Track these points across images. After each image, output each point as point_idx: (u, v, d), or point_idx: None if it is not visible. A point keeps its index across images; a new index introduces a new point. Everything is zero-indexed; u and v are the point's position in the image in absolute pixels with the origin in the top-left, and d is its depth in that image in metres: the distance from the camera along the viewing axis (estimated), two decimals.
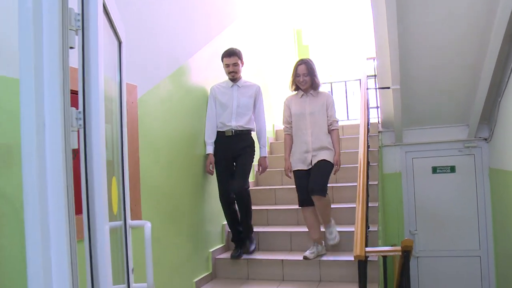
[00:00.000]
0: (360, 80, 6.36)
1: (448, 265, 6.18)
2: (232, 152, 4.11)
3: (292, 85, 4.04)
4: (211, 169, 4.10)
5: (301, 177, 3.92)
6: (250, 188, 4.22)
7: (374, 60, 5.90)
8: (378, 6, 4.32)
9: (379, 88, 5.41)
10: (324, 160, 3.81)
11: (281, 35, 7.51)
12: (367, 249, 2.84)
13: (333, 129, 3.95)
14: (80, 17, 1.25)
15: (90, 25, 1.27)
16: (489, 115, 5.51)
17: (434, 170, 6.23)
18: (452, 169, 6.16)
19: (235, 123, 4.10)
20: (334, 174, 4.00)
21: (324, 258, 3.94)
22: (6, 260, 1.83)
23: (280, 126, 6.97)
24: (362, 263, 2.76)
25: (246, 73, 5.61)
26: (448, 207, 6.16)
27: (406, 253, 2.73)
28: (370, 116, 5.78)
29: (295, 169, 3.95)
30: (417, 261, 6.30)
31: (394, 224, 6.25)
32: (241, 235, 4.21)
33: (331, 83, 8.07)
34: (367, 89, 5.42)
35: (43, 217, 1.04)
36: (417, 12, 4.29)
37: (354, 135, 5.32)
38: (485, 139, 5.83)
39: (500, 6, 3.95)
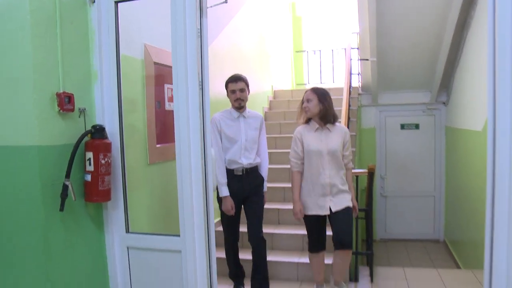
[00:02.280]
0: (345, 49, 7.60)
1: (409, 203, 7.66)
2: (243, 193, 3.57)
3: (300, 115, 3.47)
4: (231, 213, 3.51)
5: (316, 223, 3.38)
6: None
7: (357, 34, 7.14)
8: None
9: (360, 59, 6.70)
10: (347, 207, 3.34)
11: (277, 7, 8.57)
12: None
13: (348, 168, 3.45)
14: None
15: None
16: (447, 83, 6.83)
17: (402, 126, 7.61)
18: (417, 126, 7.54)
19: (245, 160, 3.54)
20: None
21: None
22: None
23: (279, 86, 8.22)
24: None
25: (251, 41, 6.62)
26: (412, 157, 7.57)
27: (371, 174, 4.12)
28: (352, 81, 7.04)
29: (310, 213, 3.34)
30: (386, 200, 7.78)
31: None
32: (242, 269, 3.82)
33: (320, 50, 9.27)
34: (351, 59, 6.68)
35: None
36: (391, 2, 5.53)
37: (339, 96, 6.42)
38: (443, 103, 7.18)
39: (454, 1, 5.21)
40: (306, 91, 3.39)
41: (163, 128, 3.52)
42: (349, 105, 5.90)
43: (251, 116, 3.66)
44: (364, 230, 5.18)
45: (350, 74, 6.71)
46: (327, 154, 3.29)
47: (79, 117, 2.58)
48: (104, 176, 2.55)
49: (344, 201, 3.32)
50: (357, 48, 7.14)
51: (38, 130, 2.30)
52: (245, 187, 3.57)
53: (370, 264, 4.30)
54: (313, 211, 3.32)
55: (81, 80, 2.63)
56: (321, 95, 3.33)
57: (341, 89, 6.40)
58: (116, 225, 2.79)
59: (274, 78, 7.93)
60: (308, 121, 3.42)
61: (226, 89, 3.58)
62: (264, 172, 3.70)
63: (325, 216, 3.35)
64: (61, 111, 2.41)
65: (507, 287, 2.09)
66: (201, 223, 2.60)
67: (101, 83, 2.72)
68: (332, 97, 3.41)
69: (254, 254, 3.63)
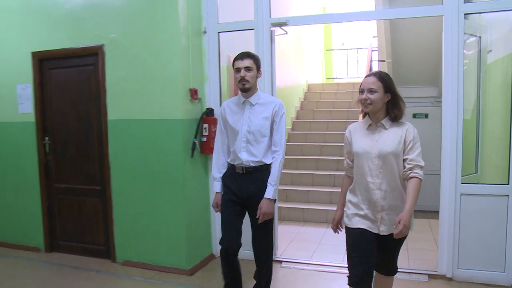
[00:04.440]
0: (367, 49, 9.16)
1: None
2: (243, 196, 3.10)
3: (359, 108, 2.67)
4: (216, 210, 3.27)
5: (362, 240, 2.60)
6: None
7: (377, 38, 8.66)
8: (378, 4, 7.07)
9: (378, 60, 8.28)
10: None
11: (310, 10, 10.09)
12: None
13: (411, 176, 2.51)
14: None
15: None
16: None
17: (414, 116, 9.07)
18: (426, 115, 8.99)
19: (246, 156, 3.07)
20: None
21: None
22: None
23: (312, 80, 9.86)
24: None
25: (290, 40, 8.22)
26: (422, 140, 9.00)
27: None
28: None
29: (355, 227, 2.62)
30: None
31: None
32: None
33: (346, 50, 10.83)
34: (371, 61, 8.27)
35: None
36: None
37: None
38: None
39: None
40: (366, 77, 2.59)
41: None
42: None
43: (262, 102, 3.11)
44: None
45: (370, 70, 8.26)
46: (377, 157, 2.53)
47: (198, 103, 4.31)
48: (212, 139, 4.26)
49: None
50: (377, 50, 8.68)
51: (181, 110, 4.03)
52: (244, 190, 3.08)
53: None
54: (360, 224, 2.59)
55: (199, 80, 4.35)
56: (388, 80, 2.54)
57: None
58: None
59: (308, 73, 9.56)
60: (366, 115, 2.65)
61: (233, 68, 3.09)
62: (272, 175, 3.05)
63: (374, 235, 2.58)
64: (191, 99, 4.14)
65: None
66: None
67: (209, 82, 4.43)
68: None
69: (256, 259, 3.26)
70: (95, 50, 4.31)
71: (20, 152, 4.90)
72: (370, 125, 2.63)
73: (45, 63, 4.70)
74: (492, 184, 3.87)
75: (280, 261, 4.45)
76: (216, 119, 4.27)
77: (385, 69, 8.28)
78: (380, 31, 7.47)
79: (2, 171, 5.01)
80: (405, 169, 2.53)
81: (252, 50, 4.78)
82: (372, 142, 2.58)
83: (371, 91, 2.52)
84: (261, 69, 3.25)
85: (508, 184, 3.69)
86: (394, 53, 7.76)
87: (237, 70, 3.04)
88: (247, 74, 3.02)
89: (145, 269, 4.29)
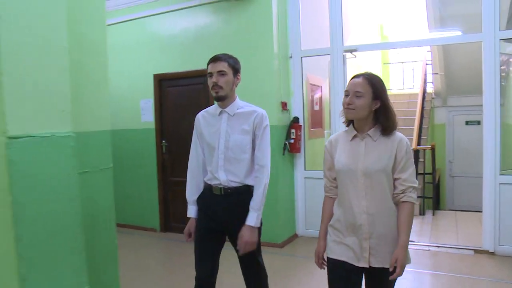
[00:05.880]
0: (422, 66, 10.03)
1: (471, 183, 9.84)
2: (221, 222, 2.63)
3: (342, 114, 2.23)
4: (187, 240, 2.75)
5: (345, 276, 2.18)
6: None
7: (430, 52, 9.56)
8: (431, 23, 8.01)
9: (433, 73, 9.20)
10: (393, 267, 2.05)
11: (369, 27, 11.05)
12: (418, 146, 6.75)
13: (404, 201, 2.11)
14: None
15: None
16: (501, 89, 9.08)
17: (467, 123, 9.91)
18: (478, 122, 9.77)
19: (224, 176, 2.59)
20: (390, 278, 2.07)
21: None
22: None
23: None
24: (415, 152, 6.75)
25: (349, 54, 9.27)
26: (474, 146, 9.81)
27: (433, 149, 6.69)
28: (427, 88, 9.49)
29: (334, 258, 2.22)
30: (453, 180, 10.11)
31: (440, 153, 10.06)
32: None
33: (402, 62, 11.69)
34: (426, 74, 9.19)
35: None
36: None
37: (416, 100, 8.95)
38: (501, 104, 9.40)
39: None
40: (354, 78, 2.19)
41: (314, 119, 6.33)
42: (423, 106, 8.42)
43: (241, 112, 2.64)
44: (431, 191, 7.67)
45: (425, 82, 9.20)
46: (362, 175, 2.12)
47: (287, 112, 5.48)
48: (298, 141, 5.39)
49: (388, 254, 2.10)
50: (431, 64, 9.59)
51: (276, 118, 5.21)
52: (221, 215, 2.62)
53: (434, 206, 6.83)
54: (340, 255, 2.19)
55: (287, 95, 5.52)
56: (379, 85, 2.14)
57: (417, 95, 8.94)
58: (299, 165, 5.65)
59: None
60: (351, 123, 2.24)
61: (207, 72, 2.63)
62: (255, 198, 2.57)
63: (359, 268, 2.15)
64: (282, 110, 5.31)
65: None
66: None
67: (294, 96, 5.59)
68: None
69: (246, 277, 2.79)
70: (204, 72, 5.55)
71: (142, 152, 6.26)
72: (354, 136, 2.18)
73: (164, 83, 6.05)
74: None
75: None
76: (300, 125, 5.42)
77: (438, 81, 9.20)
78: (433, 47, 8.41)
79: (127, 167, 6.38)
80: (396, 191, 2.11)
81: (327, 71, 5.98)
82: (356, 157, 2.14)
83: (357, 94, 2.10)
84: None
85: None
86: (446, 67, 8.66)
87: (210, 75, 2.58)
88: (220, 79, 2.55)
89: None
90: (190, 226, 2.74)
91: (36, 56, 2.09)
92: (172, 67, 5.89)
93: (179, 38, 5.81)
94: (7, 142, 2.03)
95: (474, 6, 5.20)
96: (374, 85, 2.13)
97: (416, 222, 6.44)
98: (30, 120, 2.08)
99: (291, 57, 5.56)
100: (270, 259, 4.13)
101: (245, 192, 2.61)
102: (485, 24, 4.71)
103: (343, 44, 5.33)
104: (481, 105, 9.27)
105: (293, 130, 5.39)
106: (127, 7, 6.19)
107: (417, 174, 6.86)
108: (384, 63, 12.04)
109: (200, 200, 2.72)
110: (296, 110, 5.60)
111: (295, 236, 5.72)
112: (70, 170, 2.20)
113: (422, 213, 6.73)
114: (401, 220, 2.10)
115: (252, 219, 2.57)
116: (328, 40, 5.39)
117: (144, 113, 6.20)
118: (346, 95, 2.16)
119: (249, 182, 2.63)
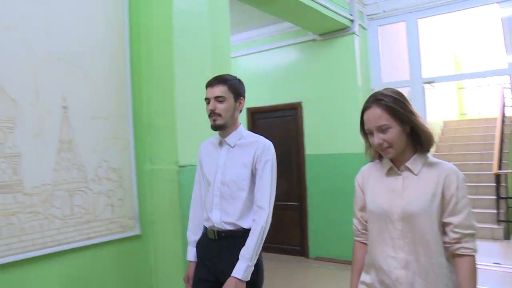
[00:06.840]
0: (500, 90, 10.09)
1: None
2: (215, 271, 2.28)
3: (367, 150, 1.89)
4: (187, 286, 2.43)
5: None
6: None
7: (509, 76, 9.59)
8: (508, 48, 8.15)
9: (511, 98, 9.27)
10: None
11: (443, 56, 11.26)
12: (499, 171, 6.92)
13: (461, 255, 1.63)
14: None
15: None
16: None
17: None
18: None
19: (218, 217, 2.25)
20: None
21: None
22: None
23: (448, 117, 11.04)
24: (496, 176, 6.91)
25: (419, 77, 9.58)
26: None
27: None
28: (506, 112, 9.51)
29: None
30: None
31: None
32: None
33: (478, 87, 11.73)
34: (504, 98, 9.27)
35: None
36: None
37: (494, 124, 9.01)
38: None
39: None
40: (366, 110, 1.73)
41: None
42: (503, 131, 8.49)
43: (243, 143, 2.31)
44: None
45: (504, 107, 9.26)
46: (400, 219, 1.69)
47: None
48: None
49: None
50: (510, 88, 9.63)
51: (359, 146, 5.67)
52: (216, 263, 2.28)
53: None
54: None
55: None
56: (398, 106, 1.68)
57: (495, 119, 9.03)
58: None
59: (443, 110, 10.74)
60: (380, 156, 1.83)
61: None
62: (247, 244, 2.15)
63: None
64: None
65: None
66: None
67: None
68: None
69: None
70: (295, 105, 6.22)
71: None
72: (390, 168, 1.78)
73: (256, 115, 6.75)
74: None
75: None
76: None
77: None
78: None
79: None
80: (447, 239, 1.65)
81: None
82: (393, 196, 1.73)
83: (383, 128, 1.68)
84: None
85: None
86: None
87: (207, 100, 2.28)
88: (218, 106, 2.24)
89: (330, 262, 5.92)
90: (190, 271, 2.40)
91: (197, 99, 2.68)
92: (264, 101, 6.59)
93: (270, 75, 6.52)
94: (178, 170, 2.74)
95: None
96: (392, 108, 1.67)
97: (501, 246, 6.56)
98: (191, 152, 2.76)
99: (373, 89, 6.04)
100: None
101: (241, 236, 2.20)
102: None
103: (421, 76, 5.75)
104: None
105: None
106: None
107: (500, 198, 7.04)
108: (459, 88, 12.15)
109: (198, 245, 2.40)
110: None
111: None
112: None
113: (507, 237, 6.83)
114: (461, 278, 1.61)
115: (240, 270, 2.10)
116: (407, 71, 5.83)
117: None
118: (370, 133, 1.73)
119: (245, 225, 2.22)
